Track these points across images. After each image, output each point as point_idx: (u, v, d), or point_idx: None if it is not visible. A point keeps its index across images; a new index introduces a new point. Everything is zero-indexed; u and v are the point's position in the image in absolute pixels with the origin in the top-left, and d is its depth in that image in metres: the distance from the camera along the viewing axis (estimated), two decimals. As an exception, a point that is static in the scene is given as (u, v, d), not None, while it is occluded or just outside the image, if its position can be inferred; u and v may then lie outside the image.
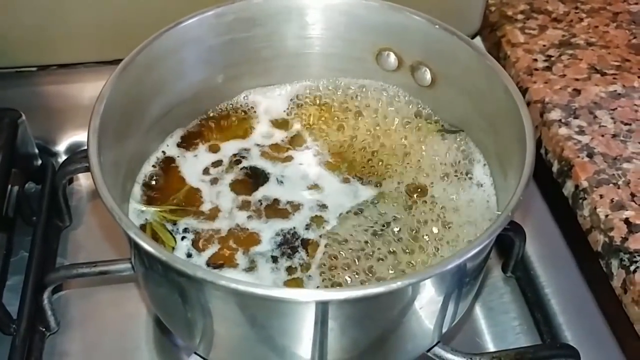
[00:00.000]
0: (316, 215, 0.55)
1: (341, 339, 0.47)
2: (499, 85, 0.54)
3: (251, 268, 0.52)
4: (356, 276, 0.52)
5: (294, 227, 0.55)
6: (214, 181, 0.57)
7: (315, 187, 0.58)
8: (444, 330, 0.52)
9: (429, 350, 0.53)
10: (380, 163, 0.59)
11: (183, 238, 0.53)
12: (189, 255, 0.53)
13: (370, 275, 0.52)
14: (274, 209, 0.56)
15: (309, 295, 0.44)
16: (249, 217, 0.55)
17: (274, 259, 0.53)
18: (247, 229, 0.54)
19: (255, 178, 0.58)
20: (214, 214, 0.55)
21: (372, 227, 0.55)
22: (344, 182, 0.58)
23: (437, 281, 0.46)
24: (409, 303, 0.46)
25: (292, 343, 0.48)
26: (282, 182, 0.58)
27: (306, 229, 0.55)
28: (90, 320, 0.60)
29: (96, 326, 0.60)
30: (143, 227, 0.53)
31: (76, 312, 0.60)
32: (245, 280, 0.50)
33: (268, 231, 0.54)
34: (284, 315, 0.45)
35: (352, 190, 0.57)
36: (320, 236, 0.54)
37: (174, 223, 0.54)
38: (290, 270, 0.52)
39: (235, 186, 0.57)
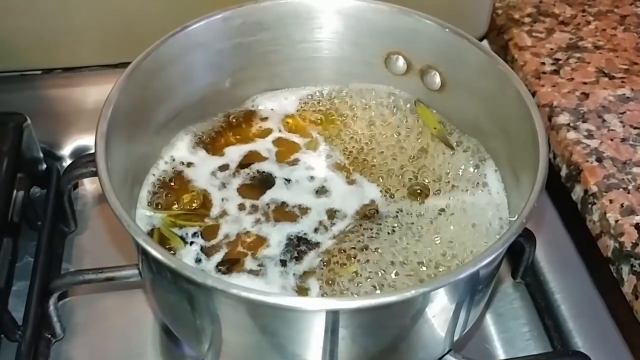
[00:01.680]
0: (324, 218, 0.55)
1: (352, 347, 0.47)
2: (510, 88, 0.53)
3: (260, 272, 0.52)
4: (367, 280, 0.51)
5: (303, 230, 0.54)
6: (222, 185, 0.57)
7: (323, 189, 0.57)
8: (455, 339, 0.52)
9: (440, 359, 0.53)
10: (389, 166, 0.59)
11: (192, 243, 0.53)
12: (198, 260, 0.52)
13: (381, 279, 0.51)
14: (282, 212, 0.55)
15: (319, 304, 0.43)
16: (257, 220, 0.55)
17: (283, 263, 0.52)
18: (256, 233, 0.54)
19: (263, 182, 0.58)
20: (222, 218, 0.55)
21: (380, 229, 0.54)
22: (353, 184, 0.58)
23: (450, 289, 0.46)
24: (421, 311, 0.46)
25: (302, 352, 0.47)
26: (289, 185, 0.57)
27: (315, 231, 0.54)
28: (96, 327, 0.59)
29: (102, 333, 0.59)
30: (151, 233, 0.53)
31: (82, 319, 0.60)
32: (254, 284, 0.50)
33: (276, 235, 0.54)
34: (294, 324, 0.45)
35: (361, 193, 0.57)
36: (329, 239, 0.54)
37: (182, 228, 0.54)
38: (299, 274, 0.52)
39: (243, 190, 0.57)
